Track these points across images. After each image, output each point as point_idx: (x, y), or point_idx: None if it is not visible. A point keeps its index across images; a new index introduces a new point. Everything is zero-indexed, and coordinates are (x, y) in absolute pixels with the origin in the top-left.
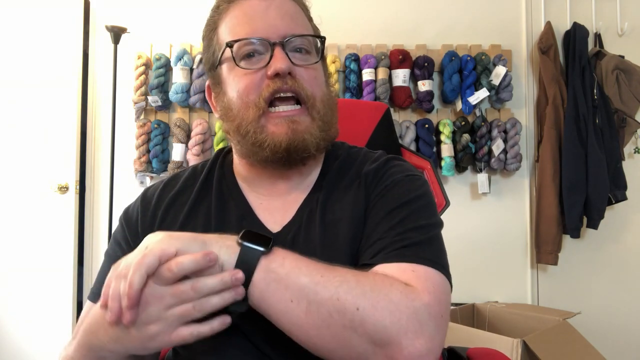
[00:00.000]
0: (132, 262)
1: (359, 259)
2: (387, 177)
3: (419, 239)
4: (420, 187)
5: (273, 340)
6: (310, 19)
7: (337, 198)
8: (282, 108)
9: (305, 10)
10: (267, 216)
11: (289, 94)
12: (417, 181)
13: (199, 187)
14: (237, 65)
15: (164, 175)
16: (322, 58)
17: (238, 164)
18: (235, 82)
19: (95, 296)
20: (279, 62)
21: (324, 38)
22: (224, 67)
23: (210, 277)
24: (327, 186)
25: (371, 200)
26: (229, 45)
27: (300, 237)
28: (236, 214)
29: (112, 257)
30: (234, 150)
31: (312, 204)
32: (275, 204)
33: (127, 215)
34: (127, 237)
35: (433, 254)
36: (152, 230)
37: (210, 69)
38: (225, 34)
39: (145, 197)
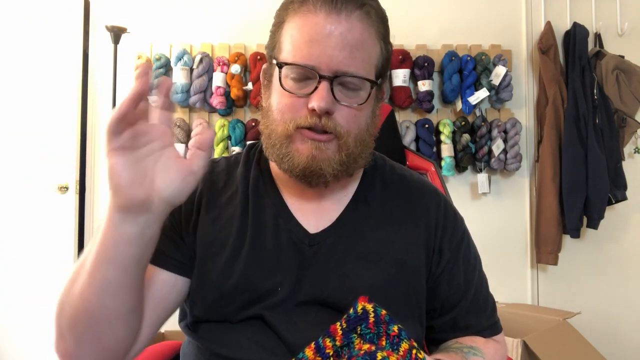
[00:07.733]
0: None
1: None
2: (458, 228)
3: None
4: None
5: (301, 335)
6: (382, 39)
7: (386, 220)
8: (312, 134)
9: (380, 29)
10: (302, 217)
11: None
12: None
13: (238, 179)
14: (282, 87)
15: None
16: (379, 86)
17: (272, 164)
18: (279, 95)
19: None
20: (320, 100)
21: (376, 83)
22: (276, 71)
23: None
24: (373, 203)
25: (442, 250)
26: (279, 66)
27: (341, 246)
28: (272, 211)
29: None
30: (264, 151)
31: (356, 217)
32: (309, 207)
33: None
34: None
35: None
36: (192, 201)
37: (269, 57)
38: (286, 40)
39: None
